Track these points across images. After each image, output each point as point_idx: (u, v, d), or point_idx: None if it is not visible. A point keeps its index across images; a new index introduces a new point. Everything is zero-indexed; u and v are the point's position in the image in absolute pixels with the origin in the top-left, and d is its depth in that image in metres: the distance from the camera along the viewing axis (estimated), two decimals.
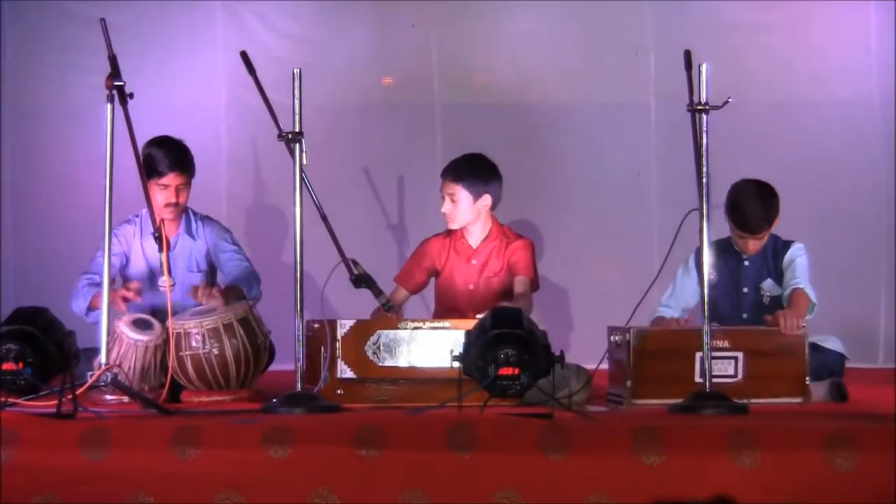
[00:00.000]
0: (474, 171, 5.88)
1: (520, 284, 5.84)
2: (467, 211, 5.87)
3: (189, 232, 5.84)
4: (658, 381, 5.04)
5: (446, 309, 5.88)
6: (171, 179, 5.70)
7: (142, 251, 5.80)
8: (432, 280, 6.06)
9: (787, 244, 5.70)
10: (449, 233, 6.00)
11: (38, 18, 7.49)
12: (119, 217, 5.55)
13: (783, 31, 7.58)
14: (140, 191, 5.37)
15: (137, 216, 5.83)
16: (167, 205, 5.71)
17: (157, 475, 3.99)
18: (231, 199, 7.52)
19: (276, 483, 3.97)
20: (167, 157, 5.71)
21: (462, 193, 5.84)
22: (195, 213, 5.88)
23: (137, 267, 5.80)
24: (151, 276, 5.75)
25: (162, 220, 5.41)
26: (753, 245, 5.68)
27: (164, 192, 5.70)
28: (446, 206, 5.87)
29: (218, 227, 5.90)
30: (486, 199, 5.87)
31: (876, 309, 7.49)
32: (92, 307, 5.63)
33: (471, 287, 5.91)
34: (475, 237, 5.94)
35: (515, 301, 5.70)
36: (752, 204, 5.64)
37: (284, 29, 7.58)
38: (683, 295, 5.70)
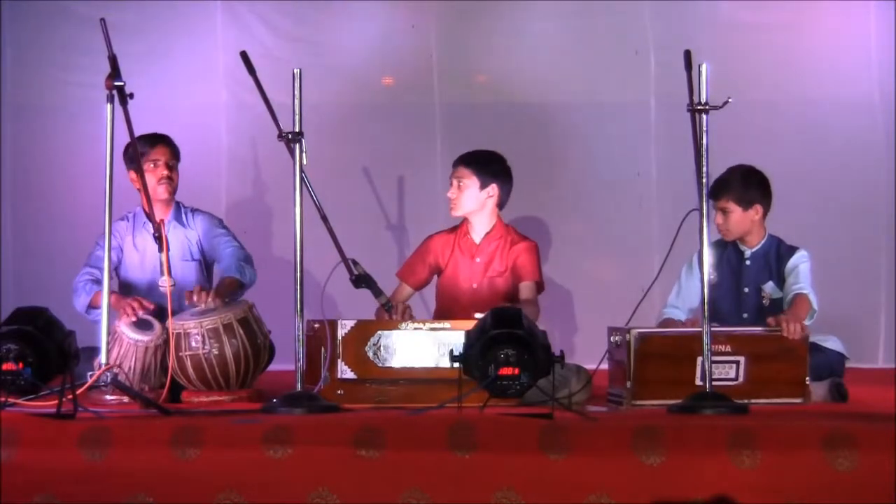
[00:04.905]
0: (486, 160, 5.90)
1: (526, 290, 5.82)
2: (472, 199, 5.86)
3: (179, 220, 5.84)
4: (659, 384, 5.02)
5: (448, 309, 5.86)
6: (159, 152, 5.76)
7: (133, 247, 5.81)
8: (433, 280, 6.05)
9: (790, 249, 5.69)
10: (453, 230, 6.00)
11: (38, 18, 7.50)
12: (116, 217, 5.55)
13: (783, 31, 7.58)
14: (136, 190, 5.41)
15: (131, 213, 5.85)
16: (160, 180, 5.74)
17: (157, 475, 3.99)
18: (231, 198, 7.52)
19: (276, 483, 3.97)
20: (147, 137, 5.75)
21: (469, 179, 5.84)
22: (184, 205, 5.89)
23: (131, 261, 5.82)
24: (144, 270, 5.77)
25: (161, 221, 5.41)
26: (723, 222, 5.65)
27: (155, 169, 5.74)
28: (452, 191, 5.88)
29: (209, 216, 5.93)
30: (493, 190, 5.86)
31: (876, 309, 7.50)
32: (93, 305, 5.64)
33: (474, 286, 5.89)
34: (479, 233, 5.93)
35: (522, 307, 5.69)
36: (727, 171, 5.67)
37: (284, 29, 7.59)
38: (689, 295, 5.69)
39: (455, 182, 5.87)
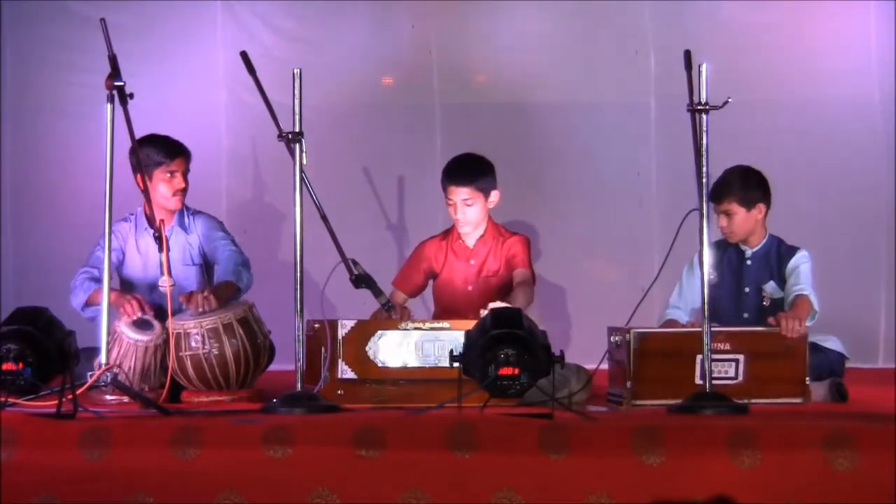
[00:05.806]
0: (482, 171, 5.87)
1: (520, 275, 5.82)
2: (482, 213, 5.86)
3: (182, 225, 5.83)
4: (658, 383, 5.03)
5: (445, 311, 5.87)
6: (178, 164, 5.73)
7: (136, 248, 5.80)
8: (430, 283, 6.05)
9: (791, 249, 5.69)
10: (445, 234, 6.00)
11: (38, 18, 7.50)
12: (117, 217, 5.55)
13: (783, 31, 7.58)
14: (138, 191, 5.39)
15: (133, 214, 5.85)
16: (176, 192, 5.72)
17: (157, 475, 3.99)
18: (231, 198, 7.53)
19: (276, 483, 3.97)
20: (166, 145, 5.75)
21: (478, 197, 5.83)
22: (187, 208, 5.88)
23: (133, 263, 5.81)
24: (146, 272, 5.76)
25: (161, 221, 5.41)
26: (727, 224, 5.66)
27: (172, 179, 5.71)
28: (462, 213, 5.82)
29: (209, 218, 5.91)
30: (495, 196, 5.86)
31: (876, 309, 7.50)
32: (90, 302, 5.62)
33: (470, 288, 5.91)
34: (472, 237, 5.93)
35: (516, 290, 5.70)
36: (725, 173, 5.67)
37: (284, 29, 7.59)
38: (691, 295, 5.69)
39: (459, 203, 5.79)
